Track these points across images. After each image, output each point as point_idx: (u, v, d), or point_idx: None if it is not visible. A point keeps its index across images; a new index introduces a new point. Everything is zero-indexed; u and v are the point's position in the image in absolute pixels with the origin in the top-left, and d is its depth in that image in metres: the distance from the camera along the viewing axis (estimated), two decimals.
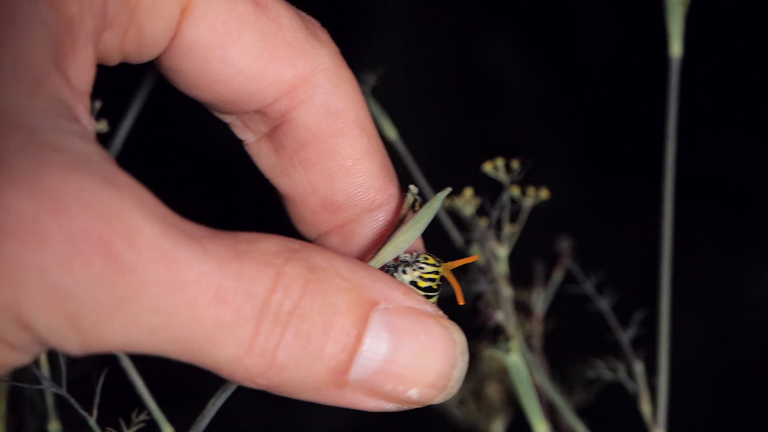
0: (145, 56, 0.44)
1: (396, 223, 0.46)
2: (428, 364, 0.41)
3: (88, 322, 0.36)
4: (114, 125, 0.62)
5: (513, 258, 0.60)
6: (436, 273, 0.44)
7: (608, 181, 1.44)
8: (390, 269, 0.44)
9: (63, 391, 0.51)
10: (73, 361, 0.60)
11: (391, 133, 0.64)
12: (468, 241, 0.61)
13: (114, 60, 0.44)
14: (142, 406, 0.51)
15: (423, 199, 0.46)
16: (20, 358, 0.38)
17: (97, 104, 0.52)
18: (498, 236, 0.60)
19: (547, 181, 0.62)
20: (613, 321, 0.63)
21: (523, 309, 0.66)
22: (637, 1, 1.41)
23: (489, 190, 0.60)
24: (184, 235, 0.37)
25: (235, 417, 1.29)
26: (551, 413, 0.65)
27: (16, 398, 0.60)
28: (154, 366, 0.53)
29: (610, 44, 1.46)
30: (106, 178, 0.36)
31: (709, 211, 1.39)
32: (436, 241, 0.52)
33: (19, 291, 0.36)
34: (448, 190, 0.44)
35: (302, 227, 0.48)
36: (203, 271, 0.37)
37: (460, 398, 0.71)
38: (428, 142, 1.40)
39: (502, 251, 0.60)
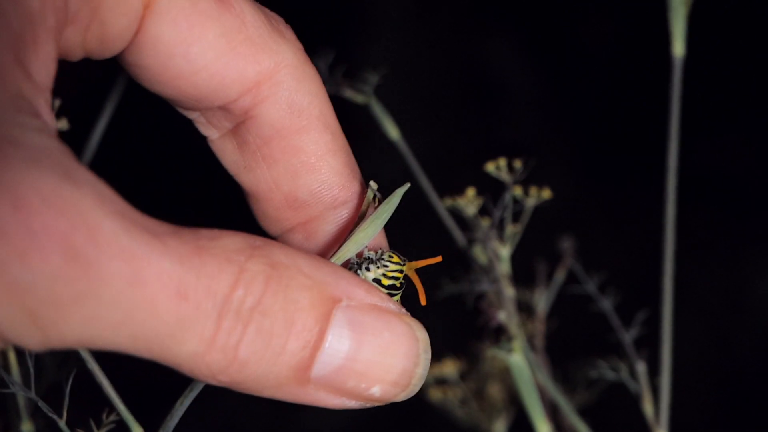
0: (108, 52, 0.44)
1: (357, 220, 0.46)
2: (391, 362, 0.41)
3: (47, 317, 0.36)
4: (88, 125, 0.62)
5: (515, 258, 0.60)
6: (400, 271, 0.44)
7: (611, 182, 1.44)
8: (354, 267, 0.44)
9: (32, 394, 0.50)
10: (44, 364, 0.60)
11: (394, 133, 0.64)
12: (470, 241, 0.61)
13: (77, 55, 0.43)
14: (112, 407, 0.51)
15: (383, 195, 0.46)
16: None
17: (57, 102, 0.52)
18: (500, 236, 0.60)
19: (549, 181, 0.62)
20: (615, 321, 0.63)
21: (525, 309, 0.66)
22: (639, 0, 1.41)
23: (491, 190, 0.60)
24: (145, 231, 0.37)
25: (235, 417, 1.30)
26: (553, 413, 0.65)
27: (2, 400, 0.60)
28: (123, 367, 0.53)
29: (612, 44, 1.46)
30: (66, 173, 0.36)
31: (711, 212, 1.39)
32: (438, 241, 0.52)
33: None
34: (407, 185, 0.45)
35: (266, 224, 0.48)
36: (164, 268, 0.37)
37: (463, 398, 0.71)
38: (430, 142, 1.40)
39: (505, 251, 0.60)
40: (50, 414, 0.50)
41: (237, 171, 0.48)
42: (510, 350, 0.58)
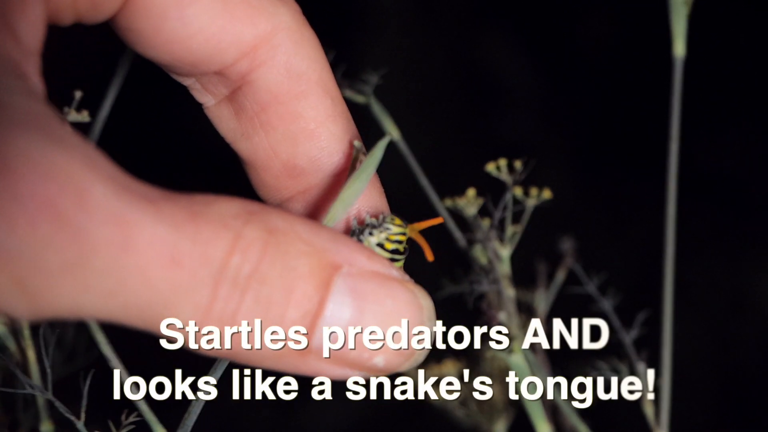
0: (100, 16, 0.43)
1: (345, 181, 0.45)
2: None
3: (36, 285, 0.35)
4: (96, 103, 0.62)
5: (516, 258, 0.60)
6: (403, 234, 0.43)
7: (611, 182, 1.44)
8: (355, 233, 0.43)
9: (49, 395, 0.50)
10: (62, 363, 0.60)
11: (394, 133, 0.64)
12: (471, 242, 0.61)
13: (67, 20, 0.42)
14: (132, 408, 0.50)
15: (367, 152, 0.44)
16: None
17: (78, 94, 0.51)
18: (501, 237, 0.60)
19: (549, 182, 0.62)
20: (615, 322, 0.63)
21: (525, 309, 0.66)
22: (639, 0, 1.41)
23: (492, 190, 0.60)
24: (137, 196, 0.36)
25: (235, 418, 1.29)
26: (554, 414, 0.65)
27: (8, 396, 0.60)
28: (145, 366, 0.53)
29: (613, 44, 1.46)
30: (54, 137, 0.35)
31: (712, 212, 1.39)
32: (438, 241, 0.52)
33: None
34: (389, 137, 0.43)
35: (264, 193, 0.47)
36: (157, 233, 0.36)
37: (462, 399, 0.71)
38: (431, 142, 1.40)
39: (505, 252, 0.60)
40: (68, 415, 0.49)
41: (234, 139, 0.47)
42: (510, 351, 0.58)
